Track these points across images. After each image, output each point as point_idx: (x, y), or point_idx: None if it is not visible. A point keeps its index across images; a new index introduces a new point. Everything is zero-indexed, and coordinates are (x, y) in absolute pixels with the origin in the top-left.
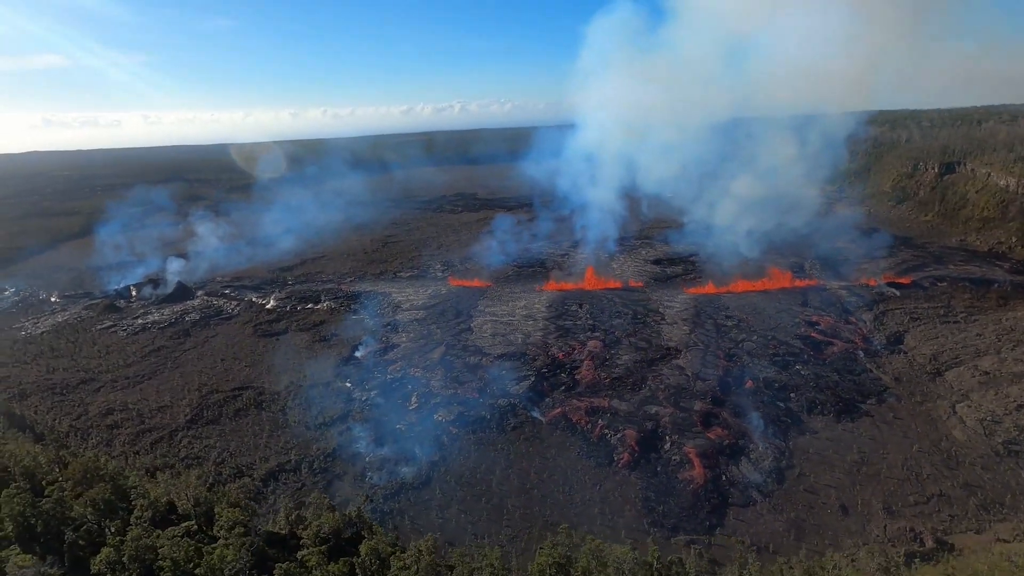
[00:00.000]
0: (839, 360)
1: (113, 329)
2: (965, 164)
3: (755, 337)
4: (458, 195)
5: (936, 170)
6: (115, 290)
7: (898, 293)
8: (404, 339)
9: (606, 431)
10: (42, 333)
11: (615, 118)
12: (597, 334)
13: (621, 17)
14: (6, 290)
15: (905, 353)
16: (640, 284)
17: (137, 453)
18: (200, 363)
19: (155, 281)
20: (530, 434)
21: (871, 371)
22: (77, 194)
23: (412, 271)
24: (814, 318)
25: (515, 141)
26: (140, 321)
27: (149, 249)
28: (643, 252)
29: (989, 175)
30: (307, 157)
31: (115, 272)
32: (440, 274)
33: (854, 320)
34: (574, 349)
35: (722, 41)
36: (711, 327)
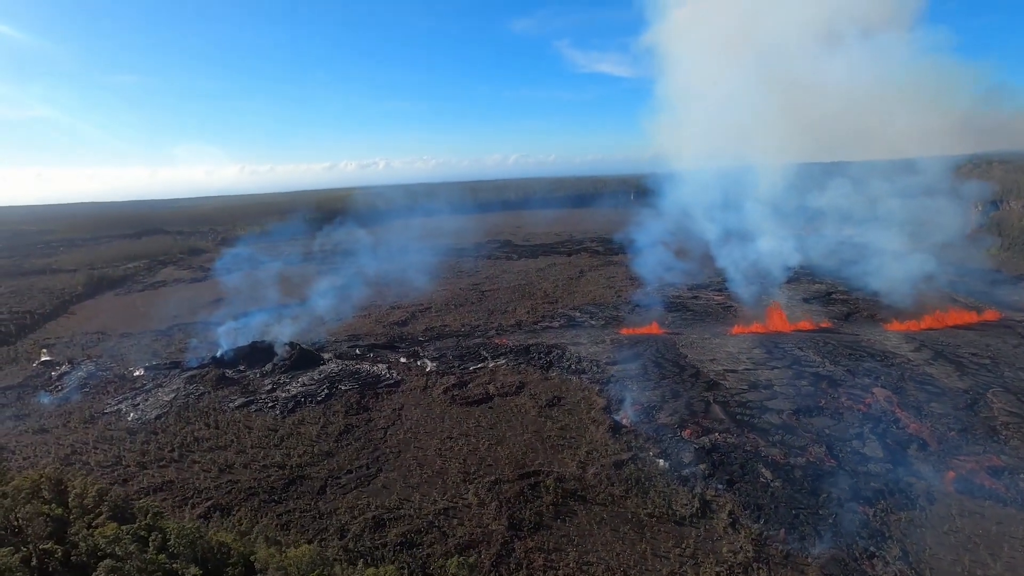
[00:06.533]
0: None
1: (254, 408)
2: (1008, 202)
3: None
4: (492, 242)
5: (981, 208)
6: (215, 358)
7: None
8: (654, 398)
9: None
10: (157, 417)
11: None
12: (868, 380)
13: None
14: (61, 365)
15: None
16: (829, 324)
17: None
18: (423, 445)
19: (270, 344)
20: (959, 509)
21: None
22: (44, 250)
23: (557, 321)
24: None
25: (502, 192)
26: (282, 395)
27: (201, 307)
28: (782, 291)
29: None
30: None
31: (179, 336)
32: (591, 322)
33: None
34: (867, 401)
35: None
36: (972, 366)
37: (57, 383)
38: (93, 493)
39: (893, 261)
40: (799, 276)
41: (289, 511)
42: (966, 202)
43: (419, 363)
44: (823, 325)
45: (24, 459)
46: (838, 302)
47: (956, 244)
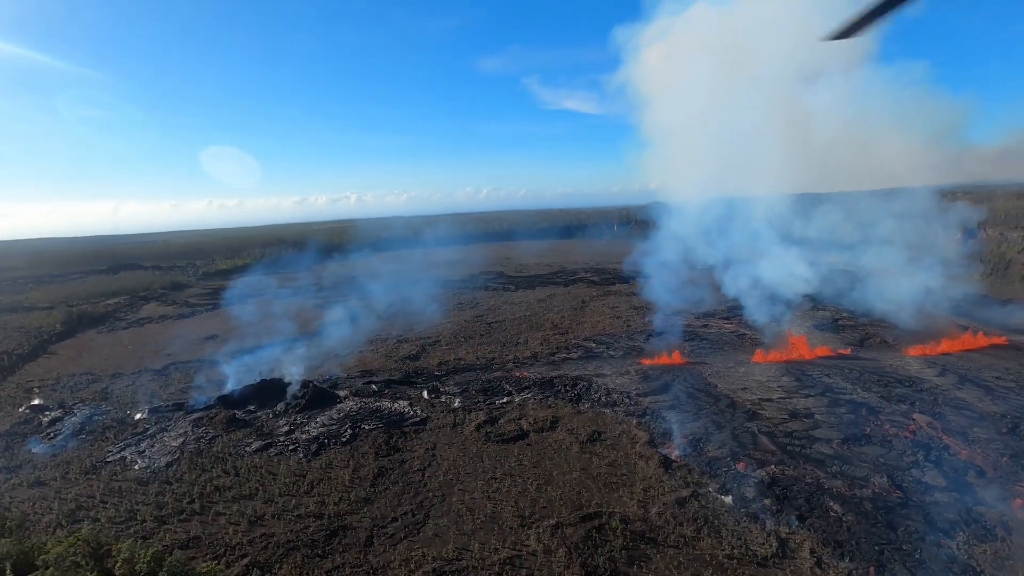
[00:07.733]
0: None
1: (274, 451)
2: (985, 230)
3: None
4: (485, 273)
5: (959, 236)
6: (221, 397)
7: None
8: (697, 429)
9: None
10: (168, 465)
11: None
12: (904, 406)
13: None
14: (52, 409)
15: None
16: (848, 351)
17: None
18: (467, 487)
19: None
20: None
21: None
22: (11, 287)
23: (574, 352)
24: None
25: (486, 224)
26: (302, 436)
27: (194, 343)
28: (792, 319)
29: None
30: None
31: (176, 376)
32: (610, 353)
33: None
34: (911, 427)
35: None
36: (1000, 389)
37: (49, 429)
38: (147, 558)
39: (892, 287)
40: (802, 303)
41: (338, 567)
42: (953, 229)
43: (443, 399)
44: (842, 352)
45: (23, 516)
46: (847, 328)
47: (946, 269)
